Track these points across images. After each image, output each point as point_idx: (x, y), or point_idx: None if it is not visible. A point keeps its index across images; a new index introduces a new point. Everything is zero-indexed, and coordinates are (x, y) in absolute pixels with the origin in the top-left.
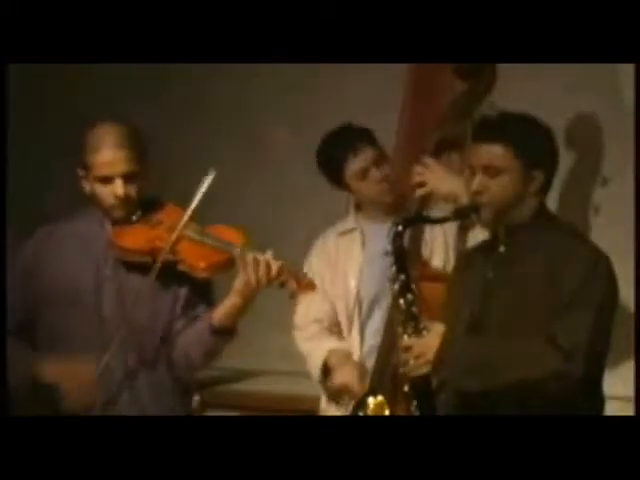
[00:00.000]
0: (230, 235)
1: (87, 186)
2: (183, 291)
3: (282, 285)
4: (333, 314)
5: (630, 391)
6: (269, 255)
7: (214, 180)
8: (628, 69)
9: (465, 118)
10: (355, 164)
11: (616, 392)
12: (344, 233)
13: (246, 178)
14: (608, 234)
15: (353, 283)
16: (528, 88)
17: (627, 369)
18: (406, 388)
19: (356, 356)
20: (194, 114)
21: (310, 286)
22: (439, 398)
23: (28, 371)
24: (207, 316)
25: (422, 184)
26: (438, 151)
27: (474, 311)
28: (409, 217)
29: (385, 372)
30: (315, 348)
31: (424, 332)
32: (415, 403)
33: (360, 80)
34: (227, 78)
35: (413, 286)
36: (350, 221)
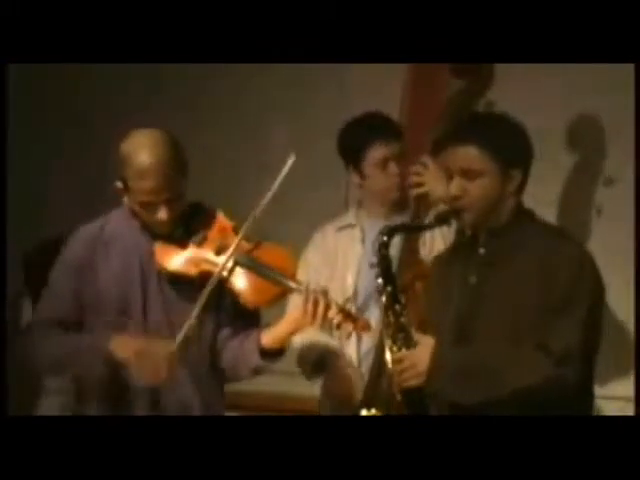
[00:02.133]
0: (282, 261)
1: (126, 200)
2: (228, 300)
3: (338, 326)
4: None
5: (630, 391)
6: (327, 293)
7: (213, 179)
8: (628, 69)
9: (462, 117)
10: (379, 152)
11: (616, 392)
12: (343, 228)
13: (245, 176)
14: (610, 235)
15: (350, 279)
16: (528, 88)
17: (627, 369)
18: (399, 397)
19: (352, 355)
20: (193, 113)
21: (365, 327)
22: (433, 405)
23: (101, 350)
24: (256, 337)
25: (419, 184)
26: (435, 150)
27: (460, 318)
28: (393, 226)
29: (382, 375)
30: (308, 343)
31: (414, 343)
32: (408, 412)
33: (360, 79)
34: (226, 77)
35: (401, 296)
36: (350, 217)
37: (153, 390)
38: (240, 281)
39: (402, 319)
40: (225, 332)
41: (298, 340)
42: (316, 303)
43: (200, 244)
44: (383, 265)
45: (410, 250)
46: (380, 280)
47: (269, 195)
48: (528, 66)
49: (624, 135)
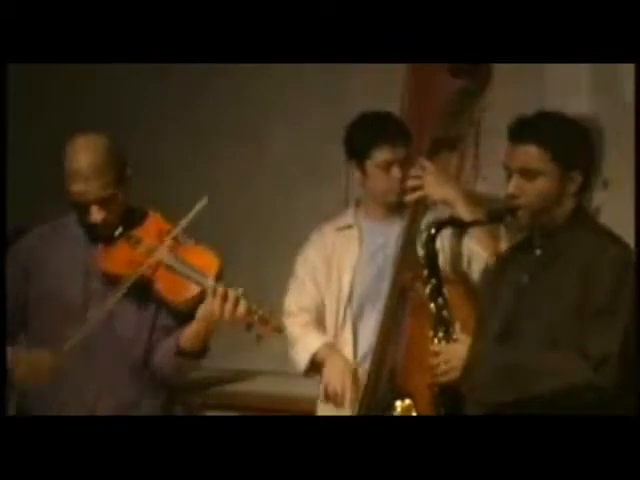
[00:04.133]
0: (205, 262)
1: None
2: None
3: (248, 327)
4: (321, 309)
5: None
6: (240, 292)
7: (213, 178)
8: (628, 69)
9: (460, 117)
10: (385, 154)
11: None
12: (342, 229)
13: (245, 176)
14: None
15: (347, 279)
16: (527, 88)
17: None
18: (436, 391)
19: (349, 355)
20: (194, 113)
21: (277, 329)
22: (467, 405)
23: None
24: (177, 336)
25: (417, 187)
26: (434, 151)
27: (506, 317)
28: (442, 220)
29: (380, 377)
30: (306, 337)
31: (454, 338)
32: (443, 410)
33: (360, 79)
34: (226, 77)
35: (444, 290)
36: (348, 217)
37: (92, 390)
38: (163, 281)
39: (444, 312)
40: (159, 332)
41: (297, 338)
42: (224, 299)
43: (134, 245)
44: (429, 257)
45: (409, 251)
46: (426, 272)
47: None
48: (527, 66)
49: (622, 136)
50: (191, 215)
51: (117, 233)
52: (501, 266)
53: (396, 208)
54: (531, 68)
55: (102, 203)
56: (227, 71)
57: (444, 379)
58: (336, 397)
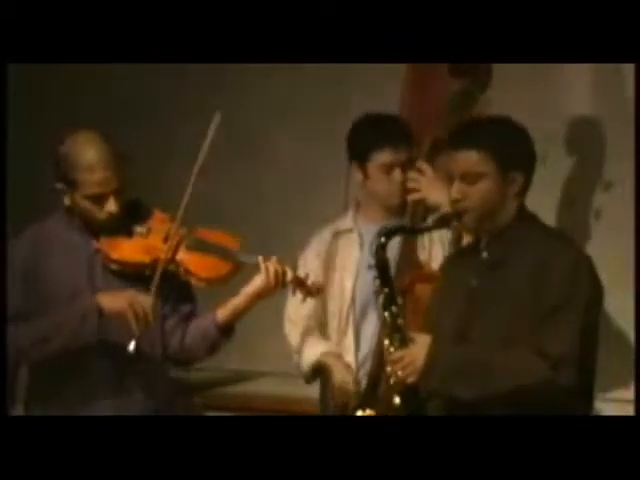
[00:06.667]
0: (226, 240)
1: (68, 201)
2: (169, 292)
3: (294, 291)
4: (322, 314)
5: (629, 394)
6: (278, 260)
7: (213, 179)
8: (629, 69)
9: (460, 118)
10: (386, 156)
11: (616, 396)
12: (341, 233)
13: (245, 176)
14: (609, 239)
15: (349, 284)
16: (527, 89)
17: (627, 373)
18: (397, 400)
19: (351, 360)
20: (194, 113)
21: (320, 290)
22: (429, 406)
23: (92, 309)
24: (210, 316)
25: (415, 190)
26: (433, 151)
27: (459, 320)
28: (390, 228)
29: (380, 378)
30: (308, 347)
31: (410, 343)
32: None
33: (360, 79)
34: (227, 77)
35: (398, 298)
36: (348, 221)
37: (118, 374)
38: (193, 262)
39: (399, 320)
40: (171, 321)
41: (300, 346)
42: (276, 271)
43: (146, 235)
44: (380, 267)
45: (408, 253)
46: (377, 281)
47: (197, 167)
48: (528, 66)
49: (623, 138)
50: (209, 137)
51: (121, 226)
52: (452, 269)
53: (396, 210)
54: (531, 68)
55: (116, 193)
56: (227, 71)
57: (413, 379)
58: (340, 406)
